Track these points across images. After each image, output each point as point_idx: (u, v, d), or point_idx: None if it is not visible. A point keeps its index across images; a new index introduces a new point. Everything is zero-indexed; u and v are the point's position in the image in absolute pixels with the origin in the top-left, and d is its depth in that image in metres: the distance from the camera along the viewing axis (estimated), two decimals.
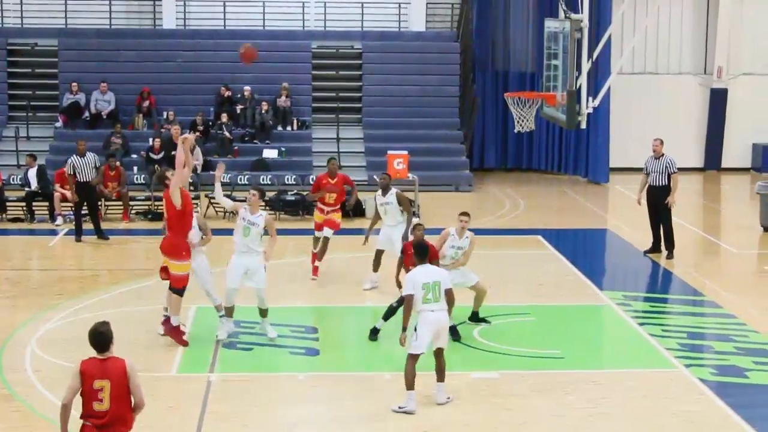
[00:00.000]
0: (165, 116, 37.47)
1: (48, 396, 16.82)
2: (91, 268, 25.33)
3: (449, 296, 16.26)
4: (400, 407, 16.26)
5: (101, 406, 11.21)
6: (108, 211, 31.83)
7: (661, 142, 27.26)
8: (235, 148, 36.98)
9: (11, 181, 32.94)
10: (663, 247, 26.86)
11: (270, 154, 36.77)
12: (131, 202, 31.94)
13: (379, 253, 23.19)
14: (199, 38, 40.41)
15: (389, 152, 32.85)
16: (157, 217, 30.91)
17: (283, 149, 37.15)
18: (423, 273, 16.34)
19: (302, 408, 16.98)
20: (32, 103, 39.09)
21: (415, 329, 16.32)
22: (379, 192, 23.42)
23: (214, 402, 16.69)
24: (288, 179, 34.44)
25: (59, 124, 38.37)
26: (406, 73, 39.55)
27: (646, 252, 27.16)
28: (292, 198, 32.02)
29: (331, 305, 22.94)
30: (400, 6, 41.08)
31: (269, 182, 34.18)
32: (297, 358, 19.10)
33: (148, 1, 41.15)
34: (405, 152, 32.69)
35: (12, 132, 37.43)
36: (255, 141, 37.57)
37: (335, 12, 40.94)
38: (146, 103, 38.47)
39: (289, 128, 38.42)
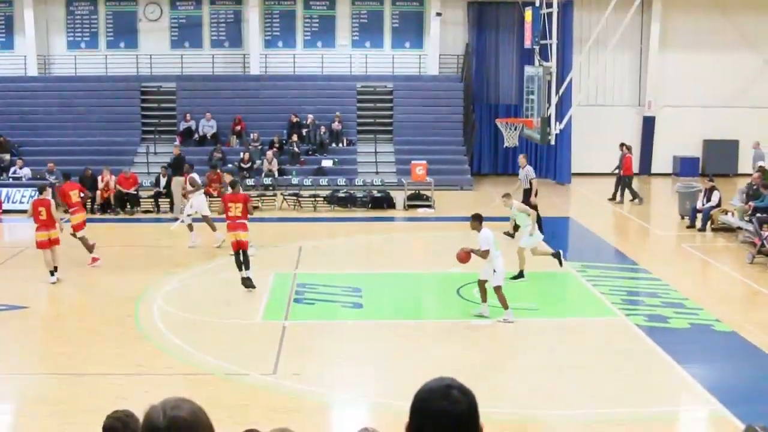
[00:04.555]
0: (252, 137, 37.63)
1: (171, 337, 17.07)
2: (200, 245, 25.49)
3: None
4: (505, 319, 17.79)
5: None
6: (212, 206, 32.01)
7: (525, 157, 27.85)
8: (302, 159, 37.10)
9: (143, 184, 33.22)
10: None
11: (327, 163, 36.87)
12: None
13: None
14: (276, 80, 40.49)
15: (413, 162, 32.99)
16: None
17: (336, 160, 37.24)
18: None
19: (350, 346, 17.17)
20: (158, 129, 39.28)
21: (494, 270, 17.72)
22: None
23: (288, 341, 16.91)
24: (339, 182, 34.57)
25: (177, 143, 38.59)
26: (424, 105, 39.57)
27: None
28: (343, 195, 32.15)
29: (370, 272, 23.09)
30: (420, 57, 41.12)
31: (326, 183, 34.31)
32: (346, 310, 19.30)
33: (239, 53, 41.26)
34: (424, 161, 32.83)
35: (144, 149, 37.67)
36: (316, 154, 37.66)
37: (374, 61, 41.00)
38: (238, 128, 38.61)
39: (340, 145, 38.48)
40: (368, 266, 23.86)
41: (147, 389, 13.86)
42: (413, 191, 32.53)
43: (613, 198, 34.10)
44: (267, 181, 34.37)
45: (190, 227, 25.72)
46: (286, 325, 17.85)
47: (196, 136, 38.68)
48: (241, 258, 20.18)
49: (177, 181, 30.00)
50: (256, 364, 15.45)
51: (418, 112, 39.50)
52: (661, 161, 41.18)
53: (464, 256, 18.27)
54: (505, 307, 17.93)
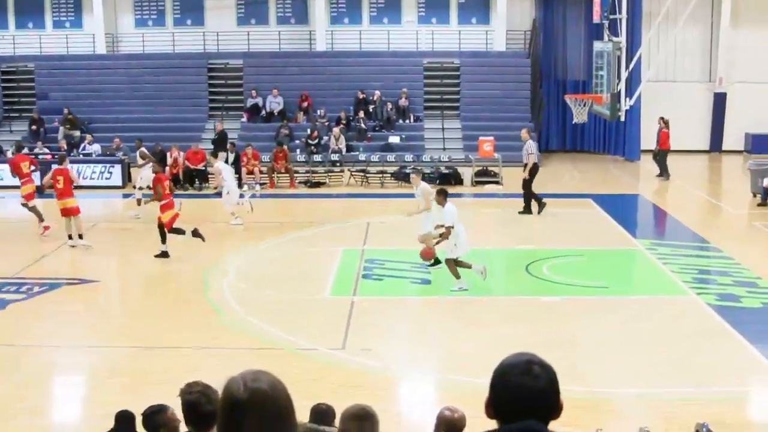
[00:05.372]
0: (319, 113, 37.72)
1: (241, 312, 17.22)
2: (268, 221, 25.64)
3: None
4: (460, 288, 18.32)
5: None
6: (279, 181, 32.23)
7: (527, 132, 28.20)
8: (369, 135, 37.09)
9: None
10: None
11: (394, 139, 36.82)
12: (295, 175, 32.33)
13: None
14: (342, 57, 40.49)
15: (480, 138, 32.85)
16: (314, 185, 31.29)
17: (403, 136, 37.16)
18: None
19: (417, 321, 17.22)
20: (225, 105, 39.58)
21: (455, 244, 18.25)
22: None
23: (356, 316, 16.99)
24: (407, 158, 34.48)
25: (244, 119, 38.81)
26: (491, 81, 39.32)
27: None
28: (410, 171, 32.12)
29: (438, 248, 23.06)
30: (487, 33, 40.85)
31: (393, 160, 34.28)
32: (415, 286, 19.32)
33: (305, 30, 41.32)
34: (492, 138, 32.68)
35: (211, 126, 37.84)
36: (383, 130, 37.63)
37: (440, 37, 40.83)
38: (305, 104, 38.73)
39: (407, 121, 38.40)
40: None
41: (217, 363, 14.00)
42: (481, 167, 32.46)
43: (661, 174, 33.67)
44: (334, 157, 34.44)
45: (139, 202, 26.46)
46: (355, 300, 17.93)
47: (263, 112, 38.86)
48: None
49: (222, 158, 30.48)
50: (325, 339, 15.54)
51: (485, 88, 39.27)
52: (733, 138, 40.53)
53: (428, 252, 19.16)
54: (458, 277, 18.44)
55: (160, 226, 21.51)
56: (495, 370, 3.70)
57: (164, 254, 21.48)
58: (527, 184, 26.71)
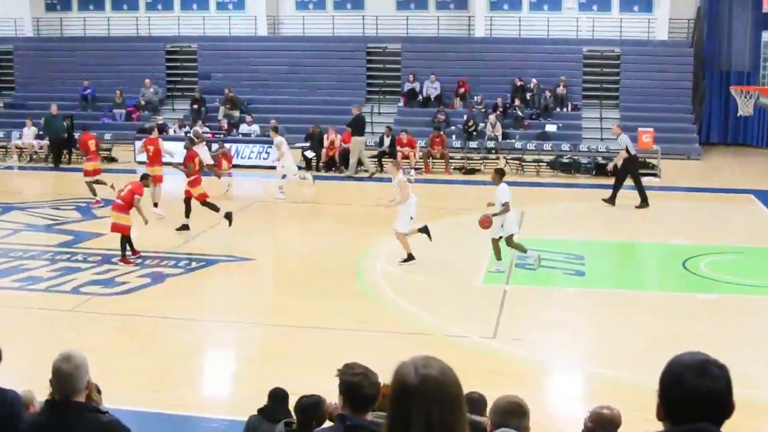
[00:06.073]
0: (475, 99, 37.61)
1: (393, 296, 17.27)
2: (422, 206, 25.58)
3: None
4: (497, 270, 18.78)
5: None
6: (434, 167, 32.25)
7: (618, 127, 27.54)
8: (526, 123, 36.79)
9: (367, 143, 33.69)
10: None
11: (551, 128, 36.45)
12: (450, 161, 32.30)
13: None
14: (501, 43, 40.21)
15: (639, 129, 32.17)
16: (469, 171, 31.18)
17: (560, 125, 36.76)
18: None
19: (571, 314, 16.96)
20: (382, 89, 39.81)
21: (502, 225, 18.61)
22: None
23: (508, 305, 16.85)
24: (563, 147, 34.02)
25: (401, 104, 38.99)
26: (653, 71, 38.49)
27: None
28: (566, 161, 31.78)
29: (593, 239, 22.73)
30: (649, 21, 39.98)
31: (550, 148, 33.86)
32: (568, 277, 19.05)
33: (464, 15, 41.20)
34: (651, 129, 31.99)
35: (368, 109, 38.11)
36: (540, 119, 37.29)
37: (601, 25, 40.14)
38: (462, 90, 38.66)
39: (565, 110, 37.98)
40: (591, 233, 23.46)
41: (365, 345, 14.06)
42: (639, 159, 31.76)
43: None
44: (490, 144, 34.26)
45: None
46: (507, 289, 17.78)
47: (420, 97, 38.93)
48: None
49: (356, 141, 31.07)
50: (477, 326, 15.45)
51: (645, 78, 38.48)
52: None
53: (485, 221, 18.84)
54: (498, 258, 18.95)
55: (187, 200, 22.33)
56: (666, 369, 3.55)
57: (185, 227, 22.26)
58: (621, 175, 25.95)
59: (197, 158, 23.01)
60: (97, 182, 26.01)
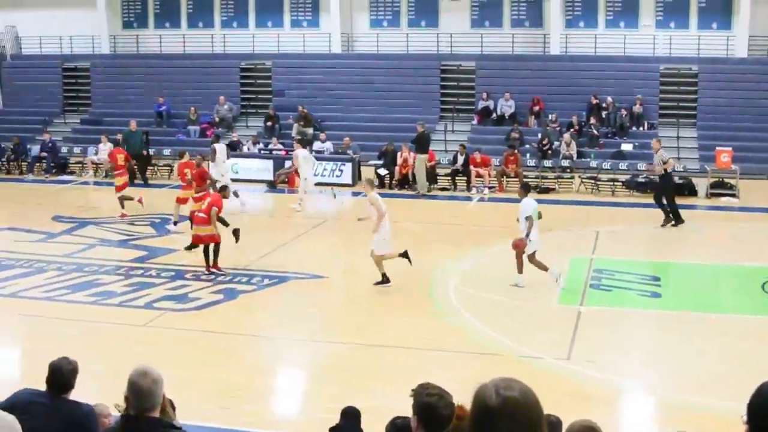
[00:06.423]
0: (550, 117, 37.39)
1: (466, 315, 17.18)
2: (497, 225, 25.50)
3: None
4: (516, 284, 18.91)
5: None
6: (508, 185, 32.10)
7: (658, 142, 27.34)
8: (601, 142, 36.46)
9: (440, 162, 33.68)
10: None
11: (626, 147, 36.09)
12: (525, 179, 32.10)
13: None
14: (576, 61, 39.92)
15: (717, 148, 31.73)
16: (544, 190, 30.98)
17: (636, 144, 36.36)
18: None
19: (645, 335, 16.76)
20: (456, 107, 39.72)
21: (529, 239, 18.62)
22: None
23: (583, 327, 16.67)
24: (639, 166, 33.57)
25: (475, 122, 38.91)
26: (731, 89, 37.96)
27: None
28: (643, 180, 31.41)
29: (669, 261, 22.43)
30: (728, 38, 39.46)
31: (626, 167, 33.51)
32: (643, 299, 18.79)
33: (539, 33, 41.02)
34: (730, 148, 31.53)
35: (442, 127, 38.10)
36: (615, 137, 36.94)
37: (678, 42, 39.68)
38: (537, 108, 38.46)
39: (641, 128, 37.58)
40: (667, 255, 23.17)
41: (436, 364, 14.00)
42: (717, 179, 31.31)
43: None
44: (565, 163, 34.04)
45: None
46: (582, 310, 17.60)
47: (494, 115, 38.82)
48: None
49: (420, 159, 31.02)
50: (550, 348, 15.31)
51: (724, 96, 37.96)
52: None
53: (518, 244, 18.90)
54: (520, 272, 18.98)
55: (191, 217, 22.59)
56: (756, 395, 3.46)
57: (236, 232, 22.17)
58: (669, 195, 25.54)
59: (206, 175, 24.31)
60: (123, 197, 26.84)
